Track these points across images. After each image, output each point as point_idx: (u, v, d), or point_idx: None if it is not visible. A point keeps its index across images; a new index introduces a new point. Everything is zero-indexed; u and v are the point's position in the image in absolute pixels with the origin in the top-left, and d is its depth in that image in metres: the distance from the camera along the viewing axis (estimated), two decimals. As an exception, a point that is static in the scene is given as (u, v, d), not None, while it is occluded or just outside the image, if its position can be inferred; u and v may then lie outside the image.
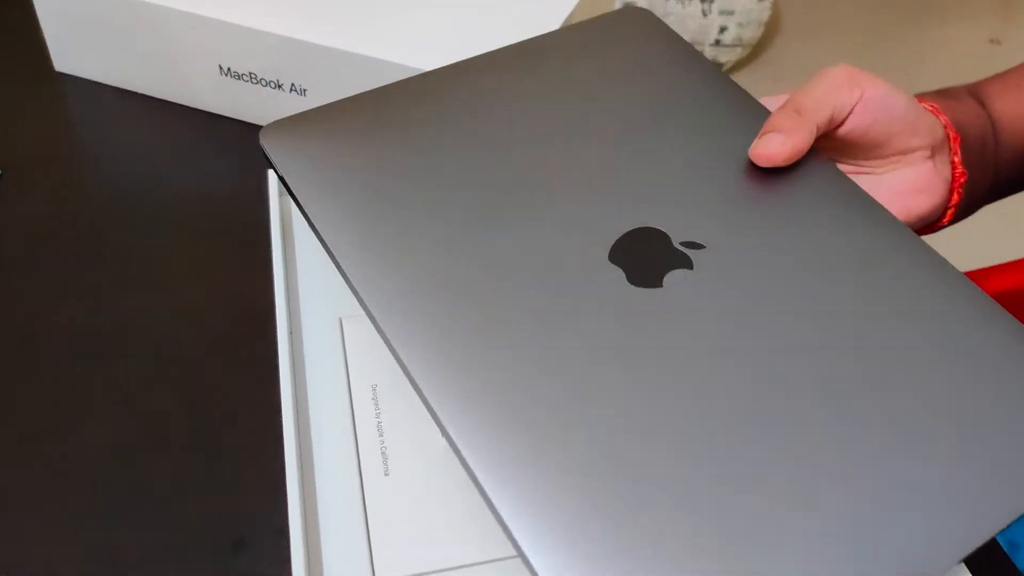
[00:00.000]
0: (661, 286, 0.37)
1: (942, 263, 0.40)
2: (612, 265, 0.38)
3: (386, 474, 0.41)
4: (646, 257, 0.39)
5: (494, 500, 0.31)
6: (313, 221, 0.39)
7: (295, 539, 0.36)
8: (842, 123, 0.40)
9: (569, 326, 0.36)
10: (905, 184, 0.43)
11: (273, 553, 0.40)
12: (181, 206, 0.60)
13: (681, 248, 0.39)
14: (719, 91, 0.47)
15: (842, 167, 0.44)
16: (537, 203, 0.41)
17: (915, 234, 0.40)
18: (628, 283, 0.37)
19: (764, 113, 0.44)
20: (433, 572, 0.38)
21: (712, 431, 0.33)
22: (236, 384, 0.49)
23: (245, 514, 0.44)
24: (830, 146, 0.41)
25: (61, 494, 0.45)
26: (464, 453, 0.32)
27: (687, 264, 0.38)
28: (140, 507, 0.44)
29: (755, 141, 0.39)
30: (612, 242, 0.39)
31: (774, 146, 0.39)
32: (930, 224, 0.45)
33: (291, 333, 0.46)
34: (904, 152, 0.43)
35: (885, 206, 0.42)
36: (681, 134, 0.45)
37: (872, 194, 0.42)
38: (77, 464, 0.46)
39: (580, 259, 0.38)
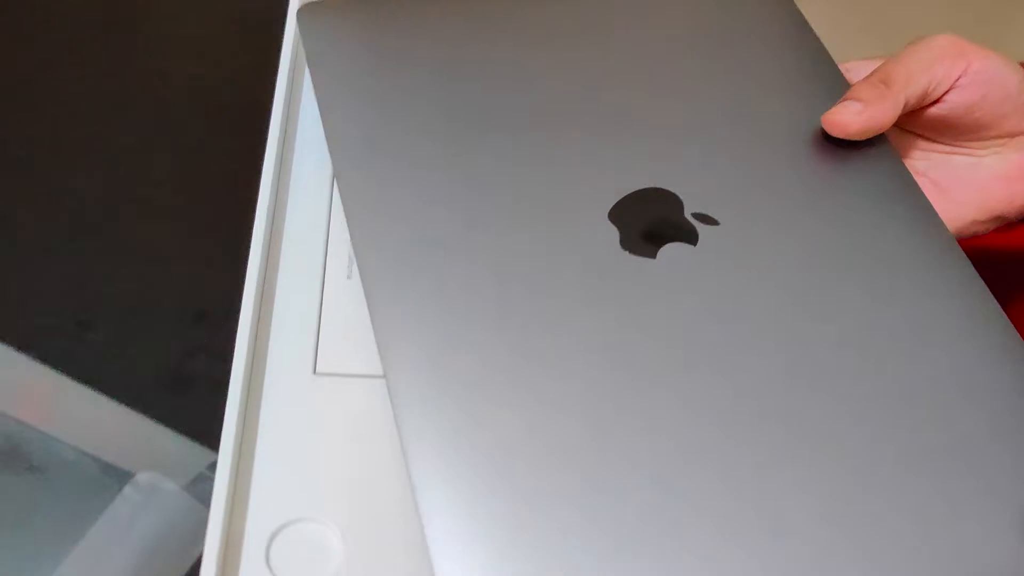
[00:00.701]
0: (654, 258, 0.35)
1: (974, 280, 0.36)
2: (609, 224, 0.35)
3: (348, 277, 0.41)
4: (649, 222, 0.36)
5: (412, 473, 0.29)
6: (321, 111, 0.37)
7: (244, 318, 0.36)
8: (940, 99, 0.36)
9: (537, 279, 0.33)
10: (1011, 169, 0.39)
11: (230, 330, 0.41)
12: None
13: (691, 219, 0.36)
14: (798, 54, 0.42)
15: (938, 147, 0.40)
16: (553, 141, 0.38)
17: (959, 248, 0.37)
18: (619, 247, 0.35)
19: (843, 86, 0.39)
20: (370, 376, 0.38)
21: (674, 421, 0.31)
22: (229, 159, 0.49)
23: (212, 289, 0.45)
24: (924, 124, 0.37)
25: (43, 232, 0.46)
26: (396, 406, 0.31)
27: (692, 239, 0.35)
28: (115, 260, 0.46)
29: (831, 108, 0.35)
30: (617, 198, 0.36)
31: (849, 115, 0.35)
32: None
33: (286, 120, 0.45)
34: (1012, 134, 0.38)
35: (987, 192, 0.39)
36: (736, 95, 0.40)
37: (971, 179, 0.38)
38: (68, 208, 0.47)
39: (577, 211, 0.35)
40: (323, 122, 0.38)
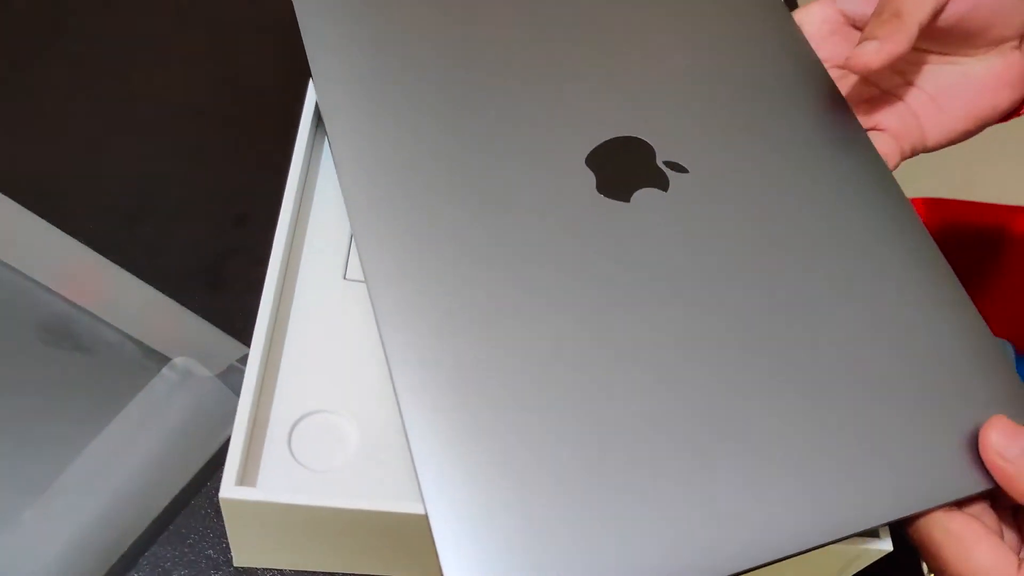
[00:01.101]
0: (628, 201, 0.36)
1: (930, 247, 0.38)
2: (586, 168, 0.36)
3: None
4: (624, 168, 0.37)
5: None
6: (306, 46, 0.39)
7: (282, 224, 0.38)
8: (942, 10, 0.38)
9: (520, 219, 0.35)
10: (992, 77, 0.41)
11: (268, 234, 0.43)
12: None
13: (662, 167, 0.37)
14: (770, 27, 0.44)
15: (930, 57, 0.42)
16: (536, 91, 0.39)
17: (913, 210, 0.39)
18: (596, 190, 0.36)
19: (809, 58, 0.42)
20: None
21: (647, 360, 0.32)
22: (272, 70, 0.51)
23: (254, 194, 0.47)
24: (920, 35, 0.38)
25: (104, 127, 0.48)
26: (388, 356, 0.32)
27: (663, 184, 0.37)
28: (168, 161, 0.48)
29: (853, 50, 0.37)
30: (595, 144, 0.37)
31: (869, 55, 0.37)
32: (1011, 114, 0.43)
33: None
34: (998, 42, 0.40)
35: (976, 100, 0.41)
36: (710, 53, 0.42)
37: (962, 88, 0.40)
38: (125, 107, 0.49)
39: (558, 156, 0.37)
40: (307, 45, 0.39)
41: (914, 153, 0.42)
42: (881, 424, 0.33)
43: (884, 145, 0.41)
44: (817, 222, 0.37)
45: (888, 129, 0.41)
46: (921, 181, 0.76)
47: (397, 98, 0.38)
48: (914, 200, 0.69)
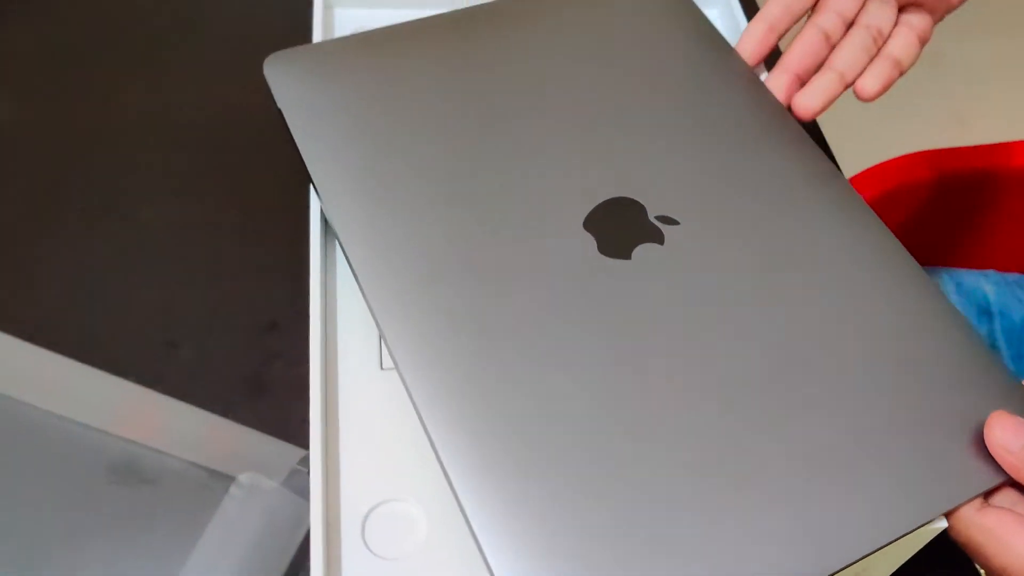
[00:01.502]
0: (630, 258, 0.38)
1: (919, 273, 0.40)
2: (586, 232, 0.38)
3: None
4: (620, 227, 0.39)
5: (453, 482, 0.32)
6: (304, 160, 0.40)
7: (313, 325, 0.40)
8: None
9: (535, 289, 0.36)
10: None
11: (300, 336, 0.45)
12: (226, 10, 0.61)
13: (655, 222, 0.39)
14: (727, 73, 0.47)
15: None
16: (528, 168, 0.41)
17: (894, 237, 0.41)
18: (599, 252, 0.38)
19: (769, 100, 0.45)
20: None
21: (663, 411, 0.33)
22: (277, 181, 0.53)
23: (279, 300, 0.49)
24: None
25: (123, 264, 0.50)
26: (420, 408, 0.34)
27: (658, 239, 0.39)
28: (190, 283, 0.50)
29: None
30: (589, 209, 0.39)
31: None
32: None
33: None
34: None
35: None
36: (679, 108, 0.44)
37: None
38: (137, 239, 0.51)
39: (556, 223, 0.39)
40: (305, 158, 0.40)
41: (942, 18, 0.48)
42: (894, 437, 0.35)
43: (921, 21, 0.47)
44: (803, 252, 0.40)
45: (923, 4, 0.47)
46: (919, 136, 0.76)
47: (399, 191, 0.40)
48: (915, 155, 0.70)
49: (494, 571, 0.30)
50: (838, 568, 0.31)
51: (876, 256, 0.40)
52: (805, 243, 0.40)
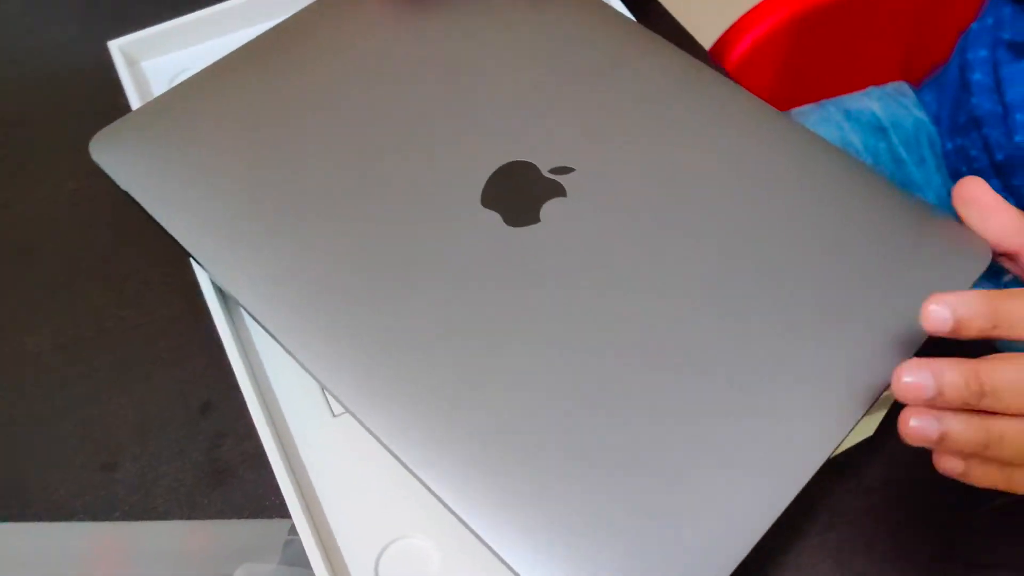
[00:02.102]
0: (539, 220, 0.36)
1: (806, 133, 0.39)
2: (487, 210, 0.37)
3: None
4: (518, 194, 0.38)
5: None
6: (170, 233, 0.38)
7: (248, 397, 0.38)
8: None
9: (458, 286, 0.35)
10: None
11: (237, 409, 0.42)
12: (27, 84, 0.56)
13: (551, 176, 0.38)
14: (589, 20, 0.44)
15: None
16: (401, 158, 0.39)
17: (776, 112, 0.40)
18: (506, 224, 0.36)
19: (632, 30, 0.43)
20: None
21: (603, 358, 0.33)
22: (153, 260, 0.50)
23: (200, 377, 0.46)
24: None
25: (20, 401, 0.46)
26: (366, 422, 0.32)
27: (559, 192, 0.37)
28: (100, 396, 0.46)
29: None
30: (482, 186, 0.38)
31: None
32: None
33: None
34: None
35: None
36: (544, 60, 0.42)
37: None
38: (30, 370, 0.47)
39: (455, 211, 0.37)
40: (170, 231, 0.38)
41: None
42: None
43: None
44: (696, 153, 0.39)
45: None
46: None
47: (282, 230, 0.37)
48: (763, 2, 0.69)
49: (518, 571, 0.29)
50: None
51: (767, 135, 0.40)
52: (695, 144, 0.39)
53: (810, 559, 0.40)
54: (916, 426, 0.30)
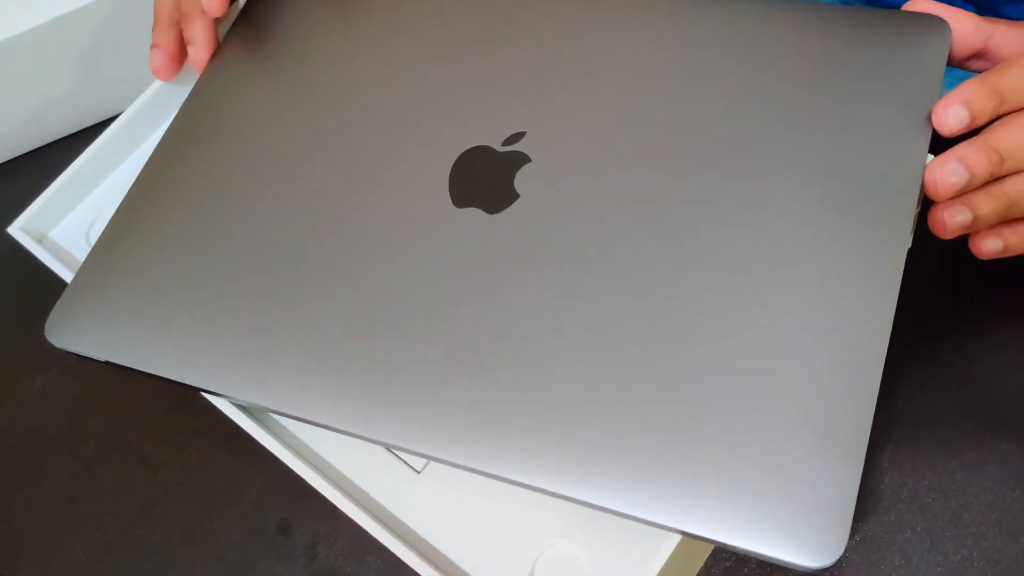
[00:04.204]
0: (519, 196, 0.35)
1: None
2: (464, 209, 0.35)
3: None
4: (485, 180, 0.36)
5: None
6: (168, 377, 0.36)
7: (329, 491, 0.36)
8: None
9: (474, 296, 0.33)
10: None
11: (316, 515, 0.40)
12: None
13: (507, 149, 0.36)
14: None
15: None
16: (358, 198, 0.37)
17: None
18: (489, 215, 0.35)
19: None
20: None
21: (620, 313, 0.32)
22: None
23: (271, 498, 0.44)
24: None
25: (115, 565, 0.44)
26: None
27: (523, 160, 0.36)
28: (187, 543, 0.44)
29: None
30: (447, 190, 0.36)
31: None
32: None
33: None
34: None
35: None
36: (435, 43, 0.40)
37: None
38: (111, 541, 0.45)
39: (433, 226, 0.35)
40: (167, 376, 0.36)
41: None
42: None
43: None
44: (638, 56, 0.37)
45: None
46: None
47: (270, 327, 0.36)
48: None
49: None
50: None
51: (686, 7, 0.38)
52: (626, 46, 0.38)
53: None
54: (950, 218, 0.32)
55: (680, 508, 0.29)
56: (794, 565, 0.28)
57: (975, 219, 0.32)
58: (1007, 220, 0.33)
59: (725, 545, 0.29)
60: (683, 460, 0.29)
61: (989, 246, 0.33)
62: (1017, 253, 0.34)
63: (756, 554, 0.28)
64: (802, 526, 0.28)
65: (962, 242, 0.34)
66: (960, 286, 0.43)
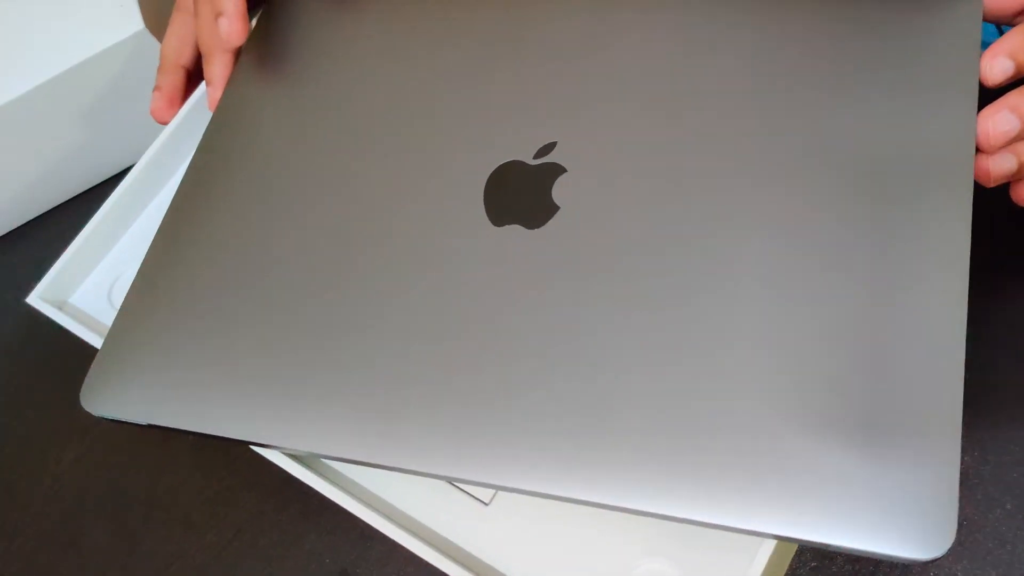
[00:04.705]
0: (559, 207, 0.33)
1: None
2: (503, 227, 0.34)
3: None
4: (522, 195, 0.35)
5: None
6: (217, 434, 0.35)
7: (395, 533, 0.34)
8: None
9: (529, 316, 0.32)
10: None
11: (374, 559, 0.39)
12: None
13: (540, 162, 0.35)
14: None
15: None
16: (392, 231, 0.36)
17: None
18: (529, 230, 0.34)
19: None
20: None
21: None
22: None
23: (328, 546, 0.42)
24: None
25: None
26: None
27: (559, 171, 0.35)
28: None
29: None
30: (482, 208, 0.35)
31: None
32: None
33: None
34: None
35: None
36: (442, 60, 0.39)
37: None
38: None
39: (469, 242, 0.34)
40: (211, 433, 0.35)
41: None
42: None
43: None
44: (665, 46, 0.36)
45: None
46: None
47: (326, 365, 0.34)
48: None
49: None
50: None
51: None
52: (651, 36, 0.37)
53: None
54: (996, 167, 0.32)
55: (779, 513, 0.27)
56: (905, 560, 0.27)
57: (1020, 167, 0.32)
58: None
59: (828, 546, 0.27)
60: (772, 462, 0.28)
61: None
62: None
63: (861, 552, 0.27)
64: (909, 517, 0.27)
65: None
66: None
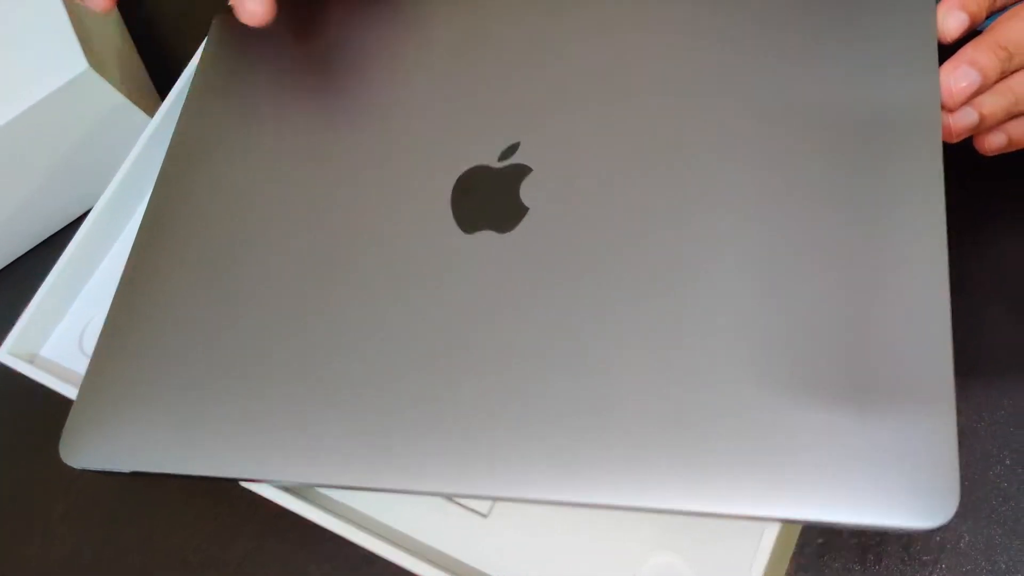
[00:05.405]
0: (528, 208, 0.33)
1: None
2: (474, 234, 0.34)
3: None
4: (489, 198, 0.34)
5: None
6: (206, 474, 0.34)
7: (396, 554, 0.33)
8: None
9: (487, 329, 0.32)
10: None
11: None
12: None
13: (505, 164, 0.35)
14: None
15: None
16: (364, 255, 0.35)
17: None
18: (501, 234, 0.33)
19: None
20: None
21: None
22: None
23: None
24: None
25: None
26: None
27: (524, 171, 0.34)
28: None
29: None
30: (450, 216, 0.34)
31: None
32: None
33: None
34: None
35: None
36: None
37: None
38: None
39: (441, 253, 0.34)
40: (189, 472, 0.34)
41: None
42: None
43: None
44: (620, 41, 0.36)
45: None
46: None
47: (312, 395, 0.33)
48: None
49: None
50: None
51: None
52: (603, 31, 0.36)
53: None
54: (957, 122, 0.32)
55: (781, 496, 0.27)
56: (912, 530, 0.26)
57: (981, 119, 0.32)
58: (1011, 115, 0.33)
59: (834, 525, 0.27)
60: (769, 445, 0.27)
61: (994, 142, 0.33)
62: (1022, 147, 0.34)
63: (868, 527, 0.26)
64: (912, 487, 0.26)
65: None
66: (999, 203, 0.41)
